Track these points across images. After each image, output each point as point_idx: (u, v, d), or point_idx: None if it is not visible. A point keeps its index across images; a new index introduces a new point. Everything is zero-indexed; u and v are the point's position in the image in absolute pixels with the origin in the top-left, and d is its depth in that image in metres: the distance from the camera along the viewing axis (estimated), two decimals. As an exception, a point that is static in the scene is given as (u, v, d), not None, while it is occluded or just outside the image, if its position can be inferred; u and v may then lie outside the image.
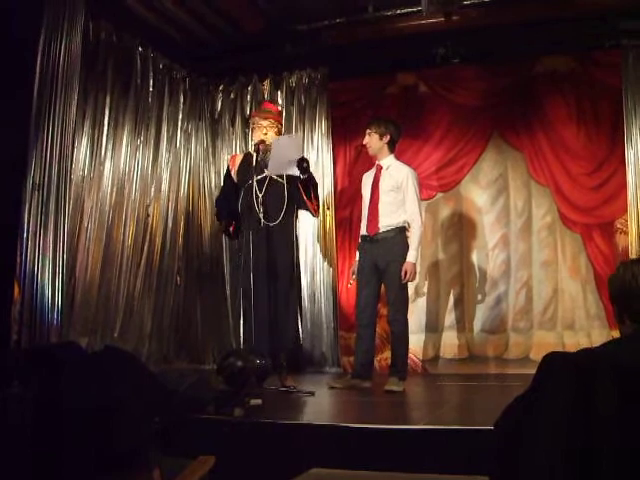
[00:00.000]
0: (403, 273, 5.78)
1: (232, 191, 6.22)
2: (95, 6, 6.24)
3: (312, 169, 6.20)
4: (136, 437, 2.22)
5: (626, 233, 6.78)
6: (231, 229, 6.18)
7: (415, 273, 5.91)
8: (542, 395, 1.64)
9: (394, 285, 5.87)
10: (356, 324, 6.16)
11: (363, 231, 6.12)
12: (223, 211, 6.30)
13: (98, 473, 2.13)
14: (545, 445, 1.55)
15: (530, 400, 1.67)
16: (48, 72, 5.59)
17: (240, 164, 6.27)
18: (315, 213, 6.25)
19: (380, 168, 6.12)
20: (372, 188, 6.10)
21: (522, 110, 7.33)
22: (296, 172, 5.83)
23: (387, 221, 5.94)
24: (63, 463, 2.05)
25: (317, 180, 6.35)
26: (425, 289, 7.47)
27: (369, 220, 6.06)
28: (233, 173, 6.27)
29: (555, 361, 1.71)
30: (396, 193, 5.97)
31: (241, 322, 6.02)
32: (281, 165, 5.83)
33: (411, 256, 5.84)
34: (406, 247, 5.88)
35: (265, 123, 6.12)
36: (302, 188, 5.96)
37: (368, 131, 6.13)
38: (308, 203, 6.01)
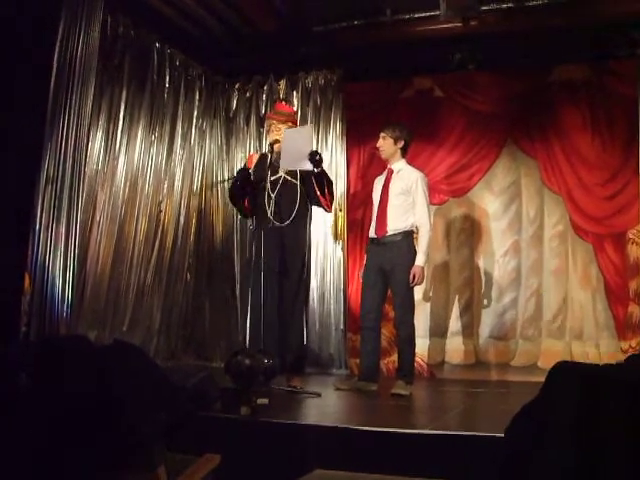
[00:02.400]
0: (411, 277, 5.78)
1: (245, 180, 6.19)
2: (113, 0, 6.25)
3: (326, 170, 6.19)
4: (142, 431, 2.23)
5: (638, 244, 6.77)
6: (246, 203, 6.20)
7: (423, 277, 5.91)
8: (550, 405, 1.63)
9: (400, 288, 5.87)
10: (361, 326, 6.16)
11: (371, 233, 6.14)
12: (239, 194, 6.30)
13: (103, 467, 2.14)
14: (552, 455, 1.55)
15: (538, 409, 1.67)
16: (65, 65, 5.60)
17: (257, 164, 6.27)
18: (328, 208, 6.24)
19: (391, 172, 6.14)
20: (382, 191, 6.12)
21: (537, 118, 7.32)
22: (309, 166, 5.81)
23: (395, 224, 5.95)
24: (69, 454, 2.06)
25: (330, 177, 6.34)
26: (432, 293, 7.46)
27: (377, 223, 6.07)
28: (251, 171, 6.26)
29: (564, 371, 1.70)
30: (405, 196, 5.99)
31: (248, 321, 6.03)
32: (293, 159, 5.81)
33: (420, 260, 5.84)
34: (412, 251, 5.89)
35: (283, 127, 6.11)
36: (316, 183, 5.94)
37: (382, 135, 6.14)
38: (321, 198, 6.00)
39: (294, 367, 6.07)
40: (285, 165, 5.91)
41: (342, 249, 7.65)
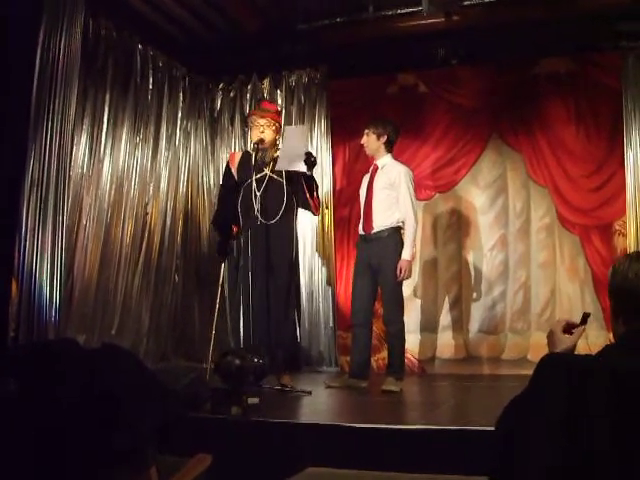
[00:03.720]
0: (398, 270, 5.78)
1: (232, 190, 6.20)
2: (95, 3, 6.23)
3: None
4: (134, 435, 2.22)
5: (624, 235, 6.78)
6: (234, 232, 6.17)
7: (410, 270, 5.91)
8: (538, 397, 1.64)
9: (388, 284, 5.88)
10: (352, 324, 6.16)
11: (360, 230, 6.15)
12: (223, 224, 6.28)
13: (97, 472, 2.13)
14: (540, 448, 1.55)
15: (527, 402, 1.67)
16: (47, 69, 5.57)
17: (239, 162, 6.25)
18: (316, 211, 6.23)
19: (376, 168, 6.14)
20: (367, 187, 6.14)
21: (521, 111, 7.33)
22: (302, 168, 5.78)
23: (381, 220, 5.95)
24: (63, 462, 2.05)
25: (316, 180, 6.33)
26: (421, 289, 7.47)
27: (364, 219, 6.08)
28: (233, 171, 6.24)
29: (552, 363, 1.71)
30: (390, 191, 5.98)
31: (240, 321, 6.02)
32: (289, 160, 5.78)
33: (406, 253, 5.84)
34: (400, 246, 5.88)
35: (262, 122, 6.09)
36: (306, 186, 5.91)
37: (366, 131, 6.15)
38: (310, 201, 5.97)
39: (290, 365, 6.07)
40: (281, 165, 5.89)
41: (330, 247, 7.65)
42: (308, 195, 5.94)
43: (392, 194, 5.98)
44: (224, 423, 4.24)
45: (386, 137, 6.10)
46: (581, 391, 1.56)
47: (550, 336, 2.15)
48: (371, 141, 6.13)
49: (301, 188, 5.94)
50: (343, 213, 7.73)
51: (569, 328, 2.18)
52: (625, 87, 6.82)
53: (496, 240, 7.31)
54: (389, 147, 6.15)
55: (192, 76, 8.07)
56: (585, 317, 2.23)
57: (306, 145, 5.94)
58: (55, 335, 5.51)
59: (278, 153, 5.98)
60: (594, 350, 2.14)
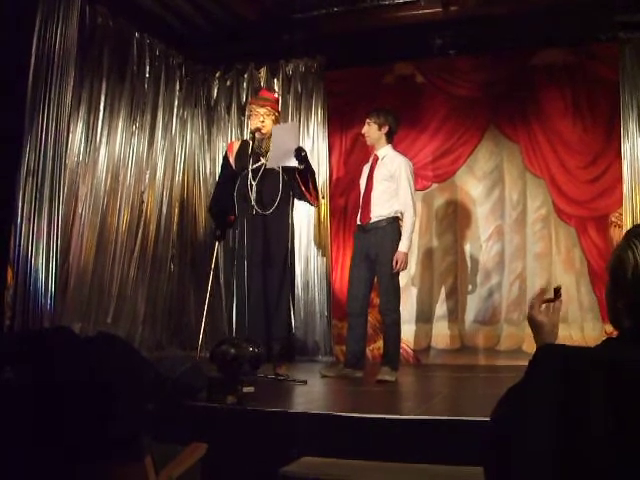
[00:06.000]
0: (394, 262, 5.78)
1: (229, 179, 6.21)
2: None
3: (308, 157, 6.19)
4: (130, 423, 2.22)
5: (621, 227, 6.77)
6: (229, 220, 6.19)
7: (406, 262, 5.91)
8: (535, 387, 1.64)
9: (385, 275, 5.88)
10: (347, 313, 6.16)
11: (358, 220, 6.14)
12: (219, 212, 6.30)
13: (91, 458, 2.13)
14: (536, 439, 1.55)
15: (523, 392, 1.67)
16: (44, 56, 5.57)
17: (237, 151, 6.26)
18: (314, 203, 6.27)
19: (376, 159, 6.13)
20: (367, 178, 6.13)
21: (519, 102, 7.33)
22: (294, 163, 5.82)
23: (379, 211, 5.95)
24: (60, 450, 2.05)
25: (313, 169, 6.34)
26: (417, 279, 7.47)
27: (362, 209, 6.07)
28: (231, 160, 6.26)
29: (549, 353, 1.71)
30: (389, 182, 5.98)
31: (234, 310, 6.03)
32: (280, 156, 5.82)
33: (403, 245, 5.84)
34: (398, 237, 5.87)
35: (262, 111, 6.11)
36: (300, 179, 5.95)
37: (367, 121, 6.12)
38: (306, 194, 6.01)
39: (283, 356, 6.07)
40: (273, 163, 5.93)
41: (326, 236, 7.65)
42: (303, 188, 5.97)
43: (392, 186, 5.97)
44: (219, 412, 4.24)
45: (388, 128, 6.08)
46: (579, 382, 1.56)
47: (532, 321, 2.15)
48: (372, 131, 6.10)
49: (296, 181, 5.97)
50: (339, 203, 7.73)
51: (546, 302, 2.18)
52: (622, 78, 6.79)
53: (492, 231, 7.31)
54: (390, 138, 6.13)
55: (189, 65, 8.05)
56: (557, 291, 2.21)
57: (297, 141, 5.93)
58: (50, 323, 5.52)
59: (269, 152, 6.00)
60: (589, 342, 2.15)
